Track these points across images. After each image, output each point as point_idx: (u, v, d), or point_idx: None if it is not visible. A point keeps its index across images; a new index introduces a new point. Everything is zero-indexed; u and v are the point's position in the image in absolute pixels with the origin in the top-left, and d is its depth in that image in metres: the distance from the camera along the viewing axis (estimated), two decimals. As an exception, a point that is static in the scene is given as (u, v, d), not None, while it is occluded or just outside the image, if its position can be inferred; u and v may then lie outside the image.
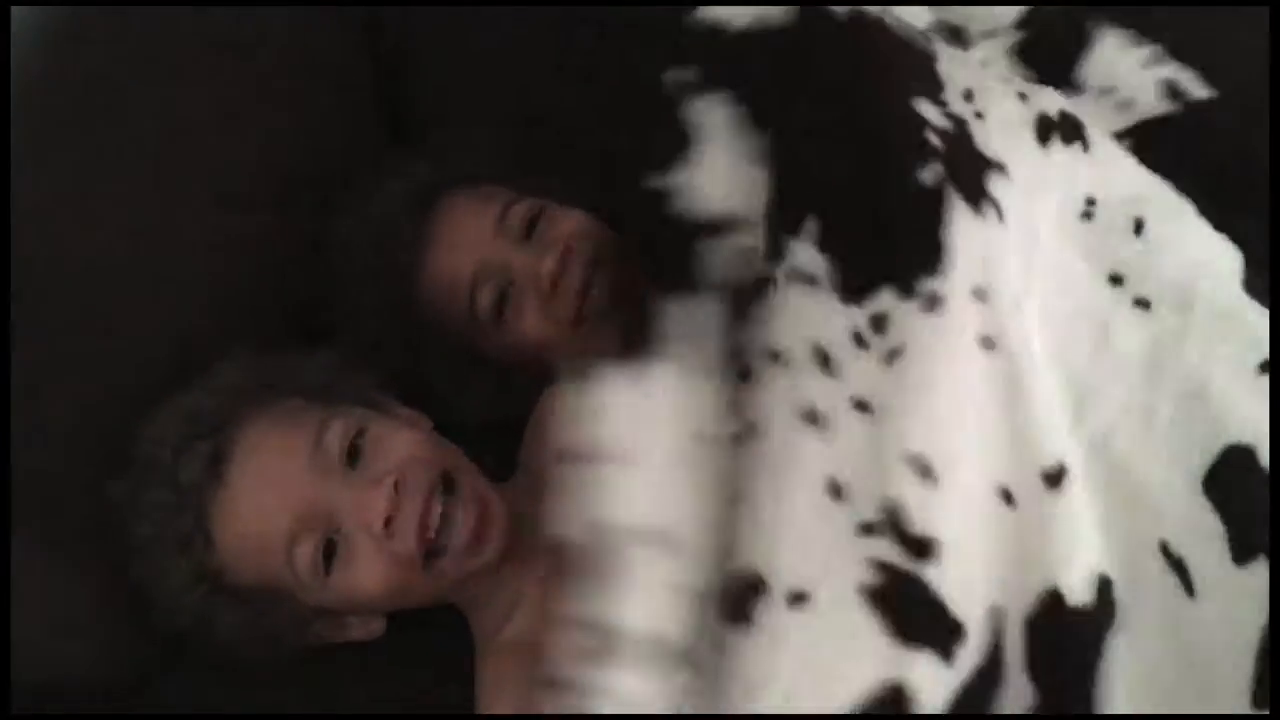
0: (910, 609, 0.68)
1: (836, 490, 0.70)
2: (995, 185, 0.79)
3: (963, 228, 0.76)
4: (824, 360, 0.73)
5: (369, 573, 0.82)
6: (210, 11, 1.05)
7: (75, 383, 0.88)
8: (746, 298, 0.77)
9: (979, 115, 0.83)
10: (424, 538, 0.82)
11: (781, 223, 0.78)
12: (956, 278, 0.75)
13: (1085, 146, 0.85)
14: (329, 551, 0.82)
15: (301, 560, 0.81)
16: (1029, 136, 0.84)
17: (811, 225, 0.77)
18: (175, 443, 0.83)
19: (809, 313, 0.75)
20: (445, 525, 0.83)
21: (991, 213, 0.78)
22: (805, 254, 0.77)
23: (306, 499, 0.82)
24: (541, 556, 0.83)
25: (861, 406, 0.72)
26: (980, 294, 0.75)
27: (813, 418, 0.72)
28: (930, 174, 0.78)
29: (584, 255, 0.99)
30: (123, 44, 1.01)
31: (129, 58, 1.00)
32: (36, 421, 0.85)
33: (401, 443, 0.86)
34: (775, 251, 0.77)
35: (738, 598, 0.68)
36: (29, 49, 1.00)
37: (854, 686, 0.66)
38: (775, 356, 0.74)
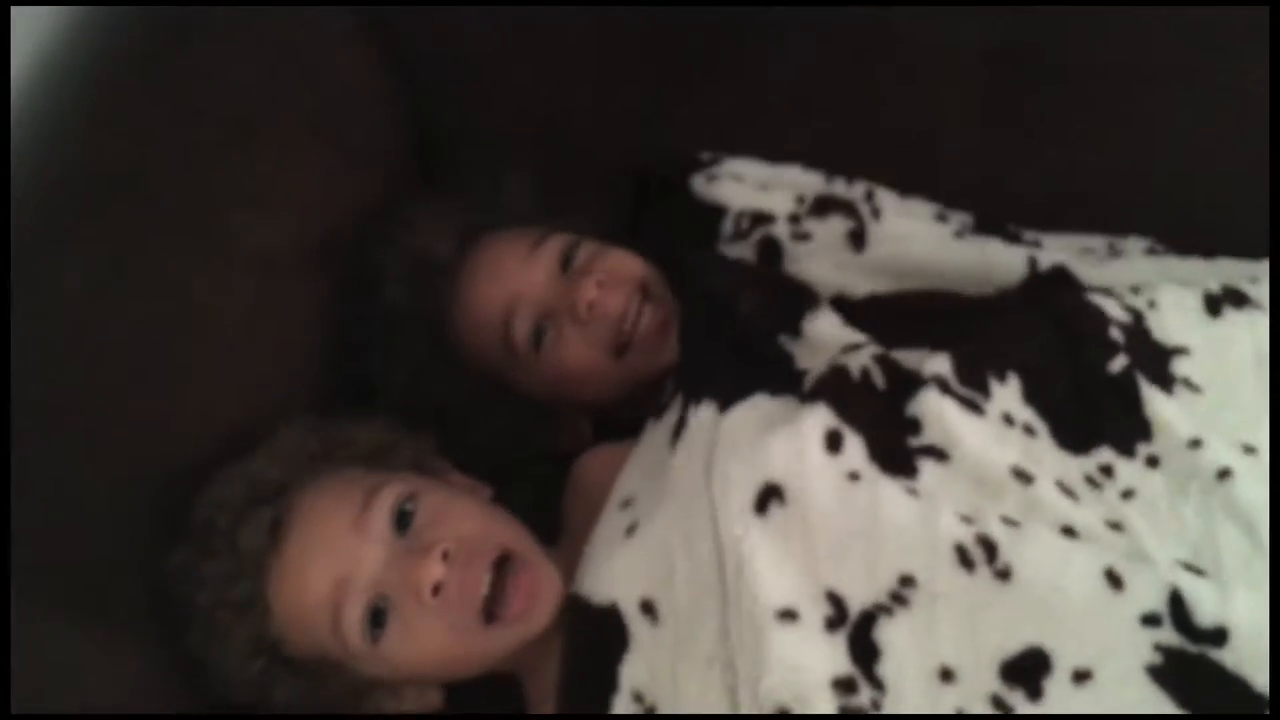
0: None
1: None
2: (1179, 366, 0.88)
3: (1160, 406, 0.84)
4: (1067, 490, 0.81)
5: (421, 638, 0.81)
6: (231, 84, 1.05)
7: (123, 459, 0.86)
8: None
9: (1151, 305, 0.92)
10: (473, 602, 0.81)
11: (988, 361, 0.86)
12: (1169, 439, 0.83)
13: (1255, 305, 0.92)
14: (378, 620, 0.80)
15: (349, 627, 0.80)
16: (1202, 314, 0.92)
17: (1014, 379, 0.86)
18: (237, 508, 0.83)
19: (1038, 452, 0.83)
20: (496, 595, 0.82)
21: (1183, 391, 0.86)
22: (1011, 400, 0.85)
23: (348, 563, 0.81)
24: None
25: (1114, 526, 0.79)
26: (1195, 443, 0.82)
27: (1072, 532, 0.79)
28: (1117, 364, 0.87)
29: (625, 285, 1.00)
30: (150, 126, 1.00)
31: (156, 139, 0.99)
32: (85, 501, 0.84)
33: (454, 513, 0.85)
34: (978, 383, 0.85)
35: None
36: (52, 138, 1.00)
37: None
38: (1020, 475, 0.81)
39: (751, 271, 1.02)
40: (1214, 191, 1.10)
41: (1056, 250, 1.05)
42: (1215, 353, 0.90)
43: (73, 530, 0.82)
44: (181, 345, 0.92)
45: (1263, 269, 0.96)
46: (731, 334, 0.94)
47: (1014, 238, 1.06)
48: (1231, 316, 0.91)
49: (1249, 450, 0.82)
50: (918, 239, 1.03)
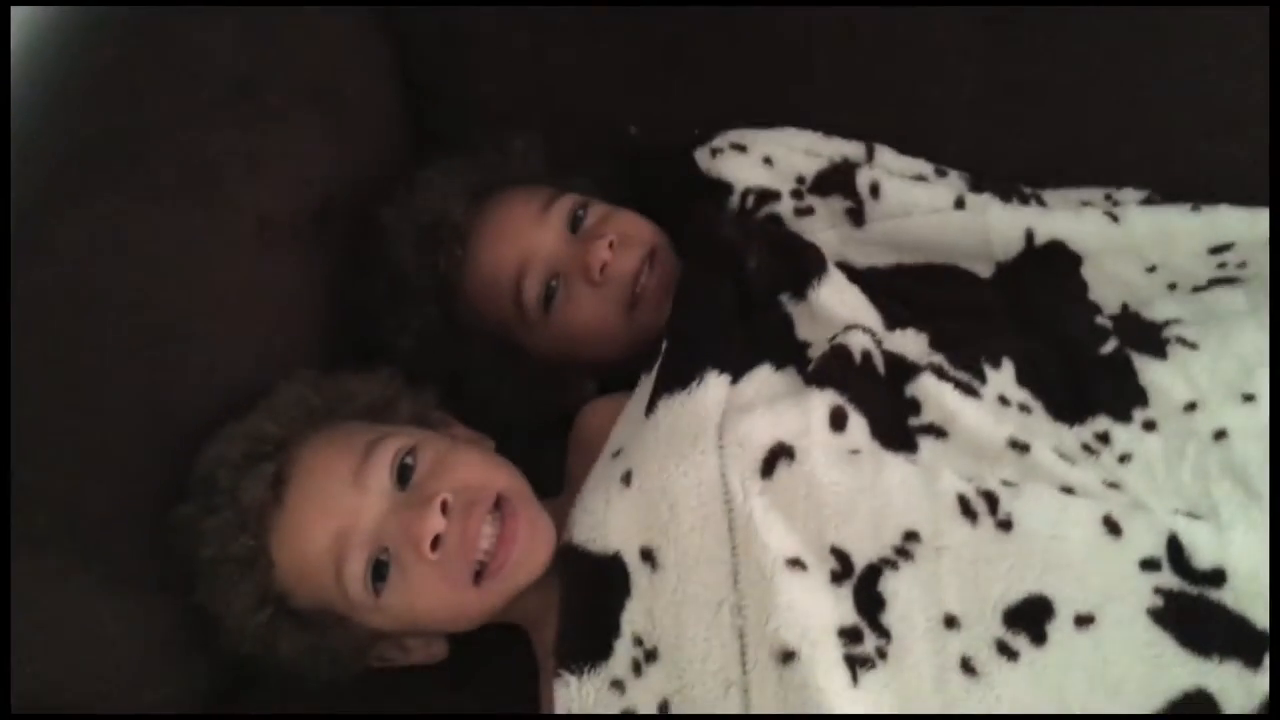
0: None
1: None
2: (1173, 330, 0.90)
3: (1155, 373, 0.87)
4: (1064, 456, 0.82)
5: (420, 592, 0.82)
6: (228, 50, 1.05)
7: (129, 416, 0.87)
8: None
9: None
10: (470, 556, 0.81)
11: (982, 350, 0.88)
12: (1166, 403, 0.85)
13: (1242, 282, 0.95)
14: (380, 573, 0.81)
15: (352, 580, 0.81)
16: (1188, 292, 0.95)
17: (1008, 364, 0.88)
18: (237, 464, 0.83)
19: (1035, 425, 0.85)
20: (501, 546, 0.82)
21: (1179, 350, 0.88)
22: (1005, 384, 0.87)
23: (349, 517, 0.81)
24: None
25: (1112, 485, 0.80)
26: (1191, 406, 0.84)
27: (1069, 491, 0.80)
28: (1108, 347, 0.89)
29: (637, 247, 1.01)
30: (148, 92, 1.01)
31: (155, 107, 1.00)
32: (93, 457, 0.85)
33: (454, 463, 0.85)
34: (973, 369, 0.87)
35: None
36: (53, 103, 1.01)
37: None
38: (1017, 446, 0.82)
39: (763, 230, 1.02)
40: (1209, 142, 1.10)
41: (1056, 205, 1.06)
42: (1207, 311, 0.91)
43: (80, 487, 0.83)
44: (182, 306, 0.92)
45: (1259, 218, 0.97)
46: (732, 293, 0.95)
47: (1012, 194, 1.06)
48: (1217, 291, 0.94)
49: (1248, 399, 0.83)
50: (917, 211, 1.03)
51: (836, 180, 1.05)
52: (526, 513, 0.84)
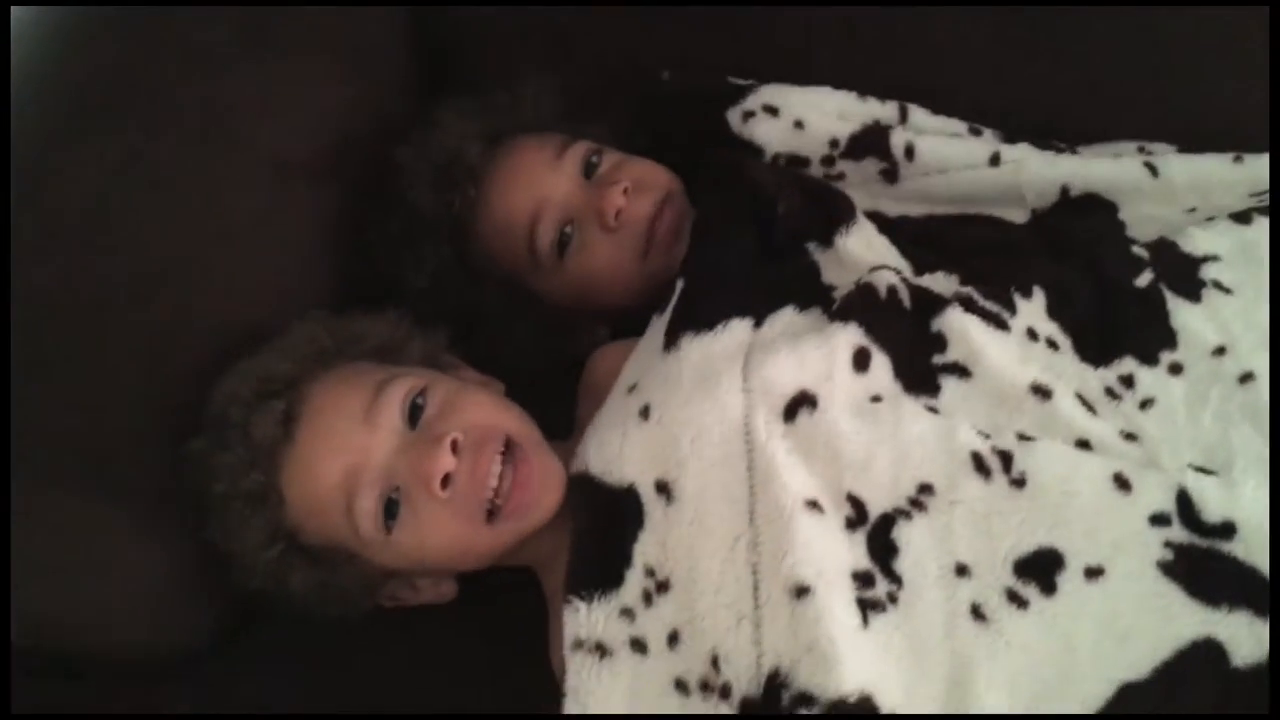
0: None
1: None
2: (1208, 270, 0.88)
3: (1186, 315, 0.86)
4: (1085, 404, 0.82)
5: (430, 529, 0.82)
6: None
7: (144, 350, 0.88)
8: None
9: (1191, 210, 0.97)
10: (481, 494, 0.81)
11: (1013, 279, 0.87)
12: (1194, 348, 0.84)
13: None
14: (390, 510, 0.81)
15: (363, 517, 0.81)
16: (1230, 223, 0.92)
17: (1039, 295, 0.87)
18: (249, 401, 0.83)
19: (1060, 365, 0.84)
20: (503, 484, 0.82)
21: (1214, 295, 0.87)
22: (1035, 315, 0.86)
23: (359, 454, 0.81)
24: None
25: (1129, 437, 0.80)
26: (1220, 350, 0.84)
27: (1086, 445, 0.79)
28: (1144, 279, 0.88)
29: (652, 193, 1.01)
30: (160, 38, 1.01)
31: (167, 51, 1.00)
32: (105, 391, 0.86)
33: (464, 404, 0.85)
34: (1003, 299, 0.86)
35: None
36: (64, 46, 1.01)
37: None
38: (1039, 391, 0.81)
39: (795, 175, 1.01)
40: (1239, 92, 1.08)
41: (1090, 157, 1.05)
42: (1246, 254, 0.89)
43: (92, 420, 0.84)
44: (197, 243, 0.93)
45: None
46: (753, 236, 0.94)
47: (1047, 147, 1.05)
48: (1261, 222, 0.91)
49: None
50: (952, 168, 1.03)
51: (870, 142, 1.04)
52: (538, 456, 0.84)
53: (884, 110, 1.07)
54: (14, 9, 1.01)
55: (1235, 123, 1.06)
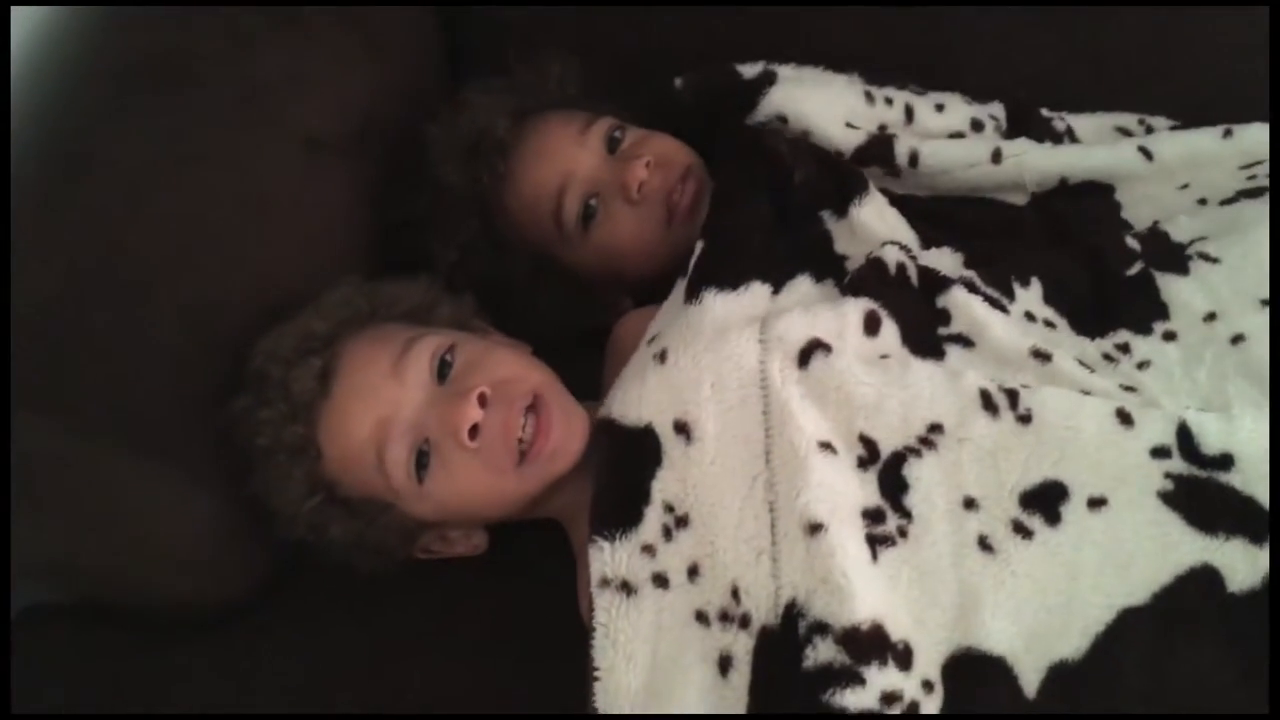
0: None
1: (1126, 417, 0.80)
2: (1196, 247, 0.92)
3: (1176, 289, 0.89)
4: (1084, 365, 0.85)
5: (461, 478, 0.86)
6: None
7: (186, 316, 0.91)
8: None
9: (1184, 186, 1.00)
10: (510, 443, 0.85)
11: (1012, 268, 0.91)
12: (1186, 316, 0.88)
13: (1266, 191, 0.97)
14: (422, 461, 0.85)
15: (394, 467, 0.85)
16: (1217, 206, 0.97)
17: (1036, 283, 0.91)
18: (288, 359, 0.87)
19: (1058, 338, 0.88)
20: (528, 433, 0.86)
21: (1200, 265, 0.90)
22: (1032, 301, 0.90)
23: (388, 406, 0.85)
24: None
25: (1128, 389, 0.83)
26: (1211, 316, 0.87)
27: (1088, 393, 0.82)
28: (1134, 269, 0.92)
29: (672, 168, 1.05)
30: (198, 22, 1.05)
31: (205, 35, 1.04)
32: (148, 353, 0.89)
33: (491, 361, 0.89)
34: (1002, 285, 0.90)
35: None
36: (109, 31, 1.05)
37: None
38: (1039, 355, 0.84)
39: (811, 148, 1.04)
40: (1233, 66, 1.12)
41: (1089, 135, 1.08)
42: (1230, 224, 0.93)
43: (135, 380, 0.88)
44: (234, 217, 0.97)
45: None
46: (769, 204, 0.98)
47: (1045, 135, 1.08)
48: (1244, 202, 0.96)
49: (1266, 304, 0.86)
50: (955, 169, 1.05)
51: (875, 154, 1.06)
52: (560, 404, 0.88)
53: (890, 113, 1.08)
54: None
55: (1233, 91, 1.09)
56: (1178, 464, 0.78)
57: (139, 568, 0.91)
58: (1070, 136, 1.10)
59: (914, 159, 1.04)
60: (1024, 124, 1.09)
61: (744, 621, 0.76)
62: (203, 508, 0.90)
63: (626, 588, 0.79)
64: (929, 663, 0.74)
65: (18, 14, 1.04)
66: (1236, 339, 0.85)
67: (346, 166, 1.07)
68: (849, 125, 1.05)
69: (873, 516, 0.79)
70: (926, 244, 0.96)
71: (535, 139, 1.08)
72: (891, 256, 0.91)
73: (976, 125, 1.09)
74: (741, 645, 0.76)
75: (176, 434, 0.88)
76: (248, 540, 0.92)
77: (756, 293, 0.89)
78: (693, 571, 0.79)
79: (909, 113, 1.09)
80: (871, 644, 0.72)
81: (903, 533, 0.78)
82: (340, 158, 1.07)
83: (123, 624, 0.94)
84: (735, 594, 0.77)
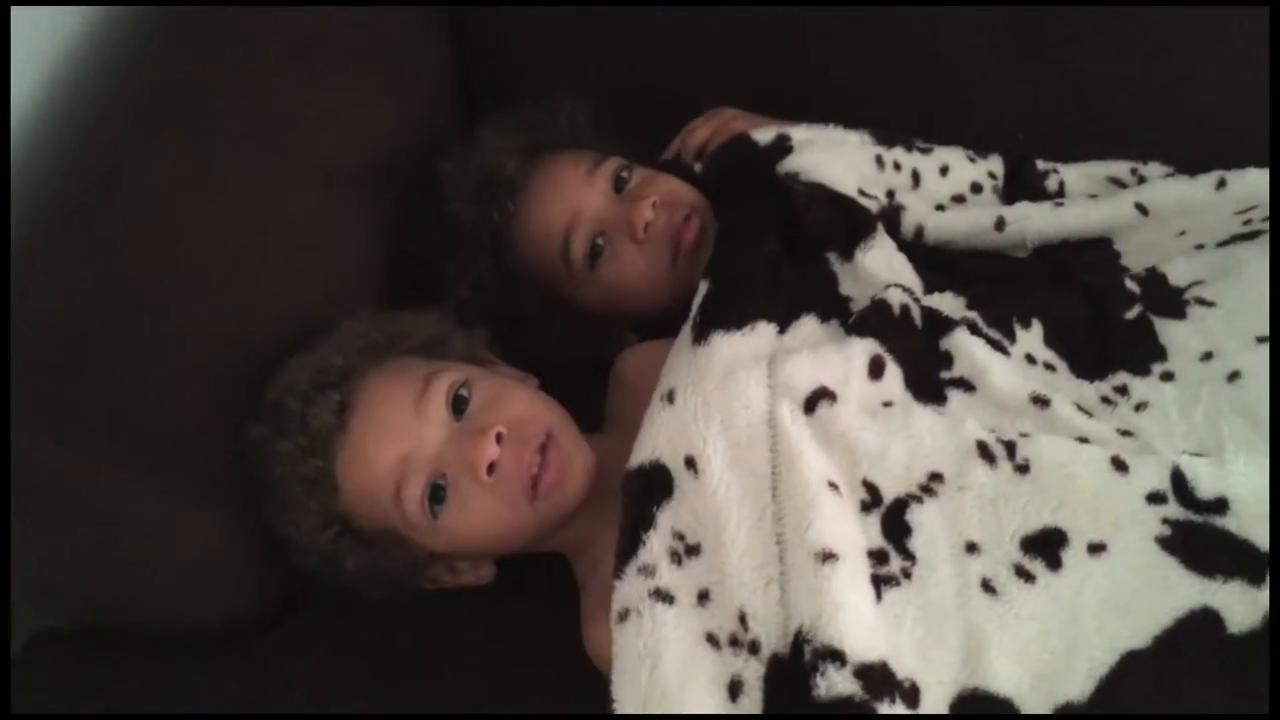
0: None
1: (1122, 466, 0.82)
2: (1193, 292, 0.95)
3: (1173, 332, 0.92)
4: (1083, 410, 0.87)
5: (476, 513, 0.87)
6: (285, 11, 1.12)
7: (205, 340, 0.93)
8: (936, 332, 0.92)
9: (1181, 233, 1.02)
10: (524, 480, 0.87)
11: (1014, 310, 0.94)
12: (1183, 356, 0.90)
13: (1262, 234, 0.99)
14: (437, 496, 0.87)
15: (410, 502, 0.87)
16: (1215, 251, 0.99)
17: (1037, 325, 0.93)
18: (305, 392, 0.88)
19: (1057, 382, 0.90)
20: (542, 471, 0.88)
21: (1197, 309, 0.93)
22: (1033, 343, 0.93)
23: (409, 443, 0.87)
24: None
25: (1125, 434, 0.85)
26: (1207, 355, 0.89)
27: (1085, 440, 0.84)
28: (1133, 313, 0.95)
29: (678, 209, 1.07)
30: (216, 48, 1.08)
31: (229, 65, 1.06)
32: (171, 375, 0.91)
33: (507, 399, 0.91)
34: (1004, 328, 0.93)
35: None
36: (126, 57, 1.08)
37: None
38: (1038, 401, 0.86)
39: (825, 190, 1.05)
40: (1230, 111, 1.15)
41: (1083, 185, 1.11)
42: (1224, 269, 0.96)
43: (157, 402, 0.89)
44: (254, 245, 0.98)
45: None
46: (777, 242, 1.00)
47: (1042, 192, 1.10)
48: (1238, 246, 0.98)
49: (1262, 340, 0.88)
50: (960, 240, 1.07)
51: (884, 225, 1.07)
52: (569, 444, 0.90)
53: (898, 179, 1.10)
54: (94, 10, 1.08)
55: (1226, 139, 1.12)
56: (1174, 509, 0.80)
57: (144, 590, 0.92)
58: (1063, 189, 1.12)
59: (920, 232, 1.06)
60: (1021, 182, 1.12)
61: (753, 648, 0.77)
62: (208, 529, 0.91)
63: (635, 613, 0.79)
64: (935, 702, 0.75)
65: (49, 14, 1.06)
66: (1233, 376, 0.87)
67: (361, 199, 1.09)
68: (861, 192, 1.06)
69: (877, 557, 0.80)
70: (929, 289, 0.98)
71: (544, 178, 1.10)
72: (895, 298, 0.92)
73: (976, 188, 1.11)
74: (752, 671, 0.77)
75: (187, 455, 0.89)
76: (254, 563, 0.93)
77: (762, 332, 0.91)
78: (703, 596, 0.80)
79: (915, 178, 1.11)
80: (882, 681, 0.73)
81: (906, 574, 0.80)
82: (355, 190, 1.08)
83: (127, 649, 0.95)
84: (743, 620, 0.78)
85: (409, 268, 1.11)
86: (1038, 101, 1.18)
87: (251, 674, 0.93)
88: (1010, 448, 0.83)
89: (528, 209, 1.09)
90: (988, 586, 0.78)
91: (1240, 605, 0.76)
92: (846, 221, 1.01)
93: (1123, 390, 0.89)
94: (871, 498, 0.83)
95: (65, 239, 0.92)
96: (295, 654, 0.95)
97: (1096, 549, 0.79)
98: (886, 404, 0.87)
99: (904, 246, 1.03)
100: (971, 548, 0.80)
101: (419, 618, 0.95)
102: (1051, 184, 1.12)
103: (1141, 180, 1.10)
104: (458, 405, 0.89)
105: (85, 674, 0.94)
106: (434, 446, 0.87)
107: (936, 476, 0.83)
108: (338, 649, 0.95)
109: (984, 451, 0.83)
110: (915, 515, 0.82)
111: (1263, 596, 0.75)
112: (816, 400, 0.85)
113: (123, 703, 0.91)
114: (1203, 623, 0.75)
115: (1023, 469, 0.82)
